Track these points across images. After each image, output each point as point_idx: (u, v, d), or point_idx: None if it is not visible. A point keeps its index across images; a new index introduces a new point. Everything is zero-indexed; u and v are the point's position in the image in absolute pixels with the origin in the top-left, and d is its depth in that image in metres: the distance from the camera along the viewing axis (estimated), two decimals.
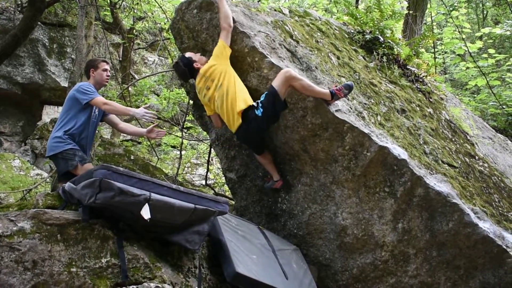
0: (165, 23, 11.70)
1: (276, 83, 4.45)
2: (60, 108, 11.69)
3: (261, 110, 4.48)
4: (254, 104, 4.56)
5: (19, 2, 12.20)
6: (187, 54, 4.87)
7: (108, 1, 12.70)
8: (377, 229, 4.70)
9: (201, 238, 3.71)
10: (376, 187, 4.69)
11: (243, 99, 4.56)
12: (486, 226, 4.61)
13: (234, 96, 4.54)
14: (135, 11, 13.06)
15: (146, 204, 3.25)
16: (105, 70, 5.07)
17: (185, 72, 4.83)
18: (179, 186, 3.63)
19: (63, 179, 4.64)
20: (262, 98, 4.53)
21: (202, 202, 3.66)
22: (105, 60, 5.22)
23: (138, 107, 10.74)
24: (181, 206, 3.47)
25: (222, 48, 4.60)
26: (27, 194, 8.13)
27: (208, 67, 4.64)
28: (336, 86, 4.59)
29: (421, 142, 5.15)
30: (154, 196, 3.32)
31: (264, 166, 5.19)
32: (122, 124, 5.36)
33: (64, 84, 12.48)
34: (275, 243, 4.62)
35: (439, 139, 5.46)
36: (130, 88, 11.53)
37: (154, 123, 5.05)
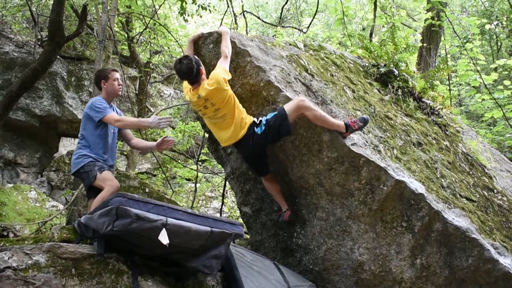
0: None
1: (288, 107, 4.48)
2: (77, 140, 11.84)
3: (263, 128, 4.50)
4: (256, 121, 4.59)
5: (39, 37, 12.48)
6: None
7: (126, 36, 12.94)
8: (394, 265, 4.61)
9: (219, 263, 3.69)
10: (393, 222, 4.62)
11: (244, 123, 4.57)
12: (507, 262, 4.50)
13: (233, 120, 4.56)
14: (152, 45, 13.28)
15: (164, 229, 3.24)
16: (116, 79, 4.95)
17: (192, 70, 4.56)
18: (194, 210, 3.63)
19: (91, 196, 4.65)
20: (268, 117, 4.56)
21: (218, 224, 3.66)
22: (115, 69, 5.14)
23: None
24: (198, 229, 3.47)
25: (225, 73, 4.57)
26: (43, 226, 8.14)
27: (209, 91, 4.50)
28: (351, 119, 4.59)
29: (438, 176, 5.09)
30: (171, 220, 3.32)
31: (273, 196, 5.16)
32: (134, 140, 5.29)
33: (81, 116, 12.63)
34: (291, 279, 4.55)
35: (457, 172, 5.40)
36: None
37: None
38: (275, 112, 4.56)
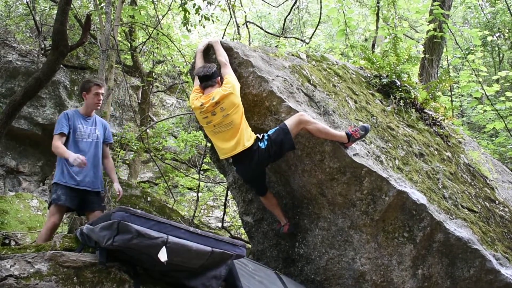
0: (183, 67, 11.91)
1: (289, 122, 4.50)
2: None
3: (266, 143, 4.51)
4: (259, 136, 4.60)
5: (43, 46, 12.54)
6: None
7: (129, 45, 13.00)
8: (396, 275, 4.60)
9: (218, 283, 3.65)
10: (395, 232, 4.62)
11: (248, 136, 4.58)
12: (509, 273, 4.49)
13: (238, 130, 4.55)
14: (155, 55, 13.34)
15: (164, 247, 3.22)
16: (97, 94, 5.15)
17: (216, 73, 4.73)
18: (197, 229, 3.61)
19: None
20: (270, 132, 4.57)
21: (219, 245, 3.62)
22: (98, 83, 5.25)
23: (156, 148, 10.83)
24: (198, 249, 3.44)
25: (237, 81, 4.68)
26: None
27: (223, 95, 4.53)
28: (352, 128, 4.61)
29: (440, 187, 5.09)
30: (172, 238, 3.29)
31: (271, 210, 5.18)
32: (106, 160, 5.42)
33: None
34: None
35: (458, 183, 5.40)
36: (148, 130, 11.66)
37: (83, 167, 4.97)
38: (277, 127, 4.58)
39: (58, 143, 4.92)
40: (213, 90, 4.63)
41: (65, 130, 4.96)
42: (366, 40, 15.66)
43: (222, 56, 4.83)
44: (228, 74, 4.71)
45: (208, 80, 4.71)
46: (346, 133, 4.57)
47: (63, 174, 4.98)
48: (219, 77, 4.75)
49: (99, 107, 5.32)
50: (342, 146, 4.62)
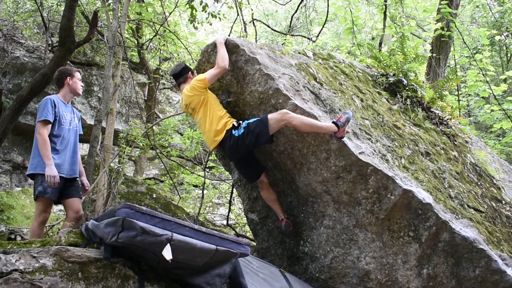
0: (190, 64, 11.89)
1: (271, 116, 4.57)
2: (86, 145, 11.88)
3: (242, 131, 4.62)
4: (235, 123, 4.70)
5: (50, 42, 12.57)
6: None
7: (136, 42, 13.01)
8: (401, 274, 4.59)
9: (222, 281, 3.65)
10: (400, 231, 4.61)
11: (220, 128, 4.76)
12: None
13: (209, 126, 4.80)
14: (162, 52, 13.35)
15: (168, 245, 3.22)
16: (80, 80, 5.27)
17: (183, 71, 5.18)
18: (201, 227, 3.61)
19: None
20: (251, 121, 4.66)
21: (224, 243, 3.62)
22: (78, 70, 5.40)
23: (162, 146, 10.83)
24: (203, 247, 3.43)
25: (199, 83, 4.81)
26: (50, 229, 8.17)
27: (187, 97, 4.93)
28: (337, 119, 4.61)
29: (446, 186, 5.07)
30: (176, 236, 3.29)
31: (269, 205, 5.17)
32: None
33: (90, 122, 12.73)
34: (297, 287, 4.54)
35: (465, 182, 5.38)
36: (154, 127, 11.67)
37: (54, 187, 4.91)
38: (258, 118, 4.67)
39: (45, 135, 4.86)
40: (186, 86, 5.04)
41: (51, 117, 4.91)
42: (373, 38, 15.63)
43: (218, 59, 4.81)
44: (196, 77, 4.97)
45: (179, 77, 5.19)
46: (332, 122, 4.55)
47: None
48: (190, 72, 5.19)
49: (80, 93, 5.35)
50: (336, 138, 4.56)
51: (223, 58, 4.77)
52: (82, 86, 5.30)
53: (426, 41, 12.48)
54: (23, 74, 12.69)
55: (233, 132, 4.66)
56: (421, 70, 8.94)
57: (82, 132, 5.45)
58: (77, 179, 5.22)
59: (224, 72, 4.83)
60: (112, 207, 4.62)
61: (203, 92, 4.83)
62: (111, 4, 8.79)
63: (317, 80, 5.29)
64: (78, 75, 5.27)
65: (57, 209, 10.19)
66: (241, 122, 4.70)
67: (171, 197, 12.19)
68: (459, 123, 6.98)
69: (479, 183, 5.62)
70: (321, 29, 13.60)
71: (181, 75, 5.17)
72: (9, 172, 12.79)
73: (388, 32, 9.44)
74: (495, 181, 5.94)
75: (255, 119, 4.67)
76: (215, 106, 4.85)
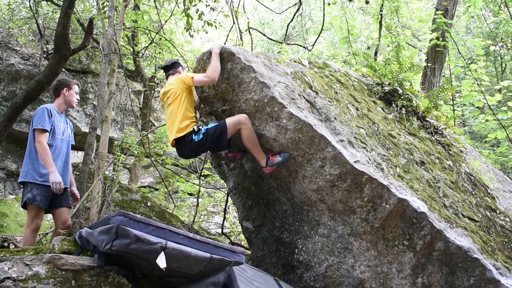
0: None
1: (229, 120, 4.71)
2: (80, 153, 11.83)
3: (201, 137, 4.73)
4: (195, 128, 4.79)
5: (45, 49, 12.57)
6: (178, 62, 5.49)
7: (131, 50, 13.03)
8: (396, 283, 4.58)
9: None
10: (395, 240, 4.60)
11: (183, 126, 4.82)
12: (509, 282, 4.48)
13: (175, 119, 4.85)
14: (157, 60, 13.36)
15: (162, 253, 3.21)
16: (76, 93, 5.31)
17: (174, 64, 5.37)
18: (196, 235, 3.60)
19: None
20: (209, 126, 4.77)
21: (218, 251, 3.60)
22: (77, 83, 5.44)
23: (157, 153, 10.80)
24: (197, 255, 3.42)
25: (185, 78, 4.92)
26: (44, 237, 8.12)
27: (169, 85, 5.06)
28: (272, 155, 4.79)
29: (440, 195, 5.08)
30: (171, 244, 3.28)
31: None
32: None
33: (85, 129, 12.70)
34: None
35: (459, 192, 5.38)
36: (149, 135, 11.66)
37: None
38: (216, 123, 4.78)
39: (45, 143, 4.88)
40: (172, 78, 5.15)
41: (48, 126, 4.94)
42: (368, 48, 15.68)
43: (209, 69, 4.81)
44: (185, 74, 5.08)
45: (169, 69, 5.35)
46: (267, 158, 4.77)
47: (36, 172, 4.91)
48: (180, 67, 5.36)
49: (74, 106, 5.40)
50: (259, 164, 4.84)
51: (214, 69, 4.77)
52: (77, 99, 5.33)
53: (421, 51, 12.56)
54: (17, 81, 12.67)
55: (194, 137, 4.76)
56: (416, 79, 8.99)
57: (74, 143, 5.45)
58: (68, 189, 5.20)
59: (211, 83, 4.92)
60: (106, 215, 4.60)
61: (184, 89, 4.93)
62: (107, 11, 8.80)
63: (313, 89, 5.30)
64: (76, 88, 5.30)
65: (50, 217, 10.14)
66: (201, 127, 4.80)
67: (166, 205, 12.15)
68: (454, 132, 7.00)
69: (473, 192, 5.63)
70: (317, 38, 13.67)
71: (172, 67, 5.35)
72: (2, 180, 12.73)
73: (384, 41, 9.51)
74: (489, 191, 5.96)
75: (213, 124, 4.79)
76: (187, 106, 4.93)
